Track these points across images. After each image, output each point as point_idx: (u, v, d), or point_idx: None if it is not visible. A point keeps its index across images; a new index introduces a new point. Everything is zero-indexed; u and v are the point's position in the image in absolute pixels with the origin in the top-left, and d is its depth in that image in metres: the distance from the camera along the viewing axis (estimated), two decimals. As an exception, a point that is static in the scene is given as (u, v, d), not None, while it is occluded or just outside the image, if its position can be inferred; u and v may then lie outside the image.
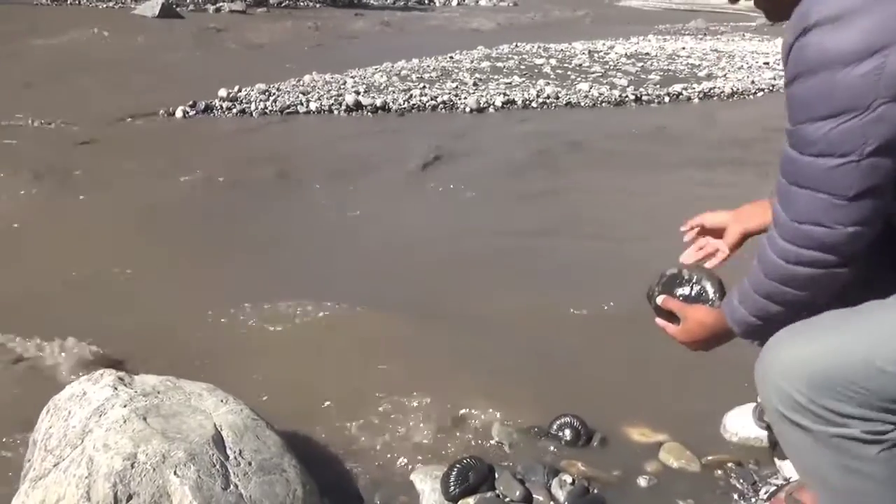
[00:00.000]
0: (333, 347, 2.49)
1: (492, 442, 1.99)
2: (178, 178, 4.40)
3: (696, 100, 8.15)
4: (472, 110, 7.08)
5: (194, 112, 6.30)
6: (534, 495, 1.79)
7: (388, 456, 1.94)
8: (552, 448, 1.97)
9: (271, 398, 2.02)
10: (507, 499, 1.78)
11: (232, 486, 1.52)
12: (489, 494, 1.78)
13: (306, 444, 1.92)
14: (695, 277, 1.52)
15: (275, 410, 1.89)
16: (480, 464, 1.83)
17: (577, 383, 2.28)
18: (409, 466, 1.90)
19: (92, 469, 1.47)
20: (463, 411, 2.10)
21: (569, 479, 1.82)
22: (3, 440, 1.97)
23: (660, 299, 1.51)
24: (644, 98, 7.96)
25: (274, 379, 2.26)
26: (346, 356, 2.43)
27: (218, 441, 1.59)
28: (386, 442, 1.98)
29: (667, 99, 8.03)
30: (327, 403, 2.14)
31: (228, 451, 1.59)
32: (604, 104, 7.69)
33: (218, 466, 1.53)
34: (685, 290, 1.51)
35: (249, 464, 1.59)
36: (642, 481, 1.88)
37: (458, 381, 2.28)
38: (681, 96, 8.18)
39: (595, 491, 1.83)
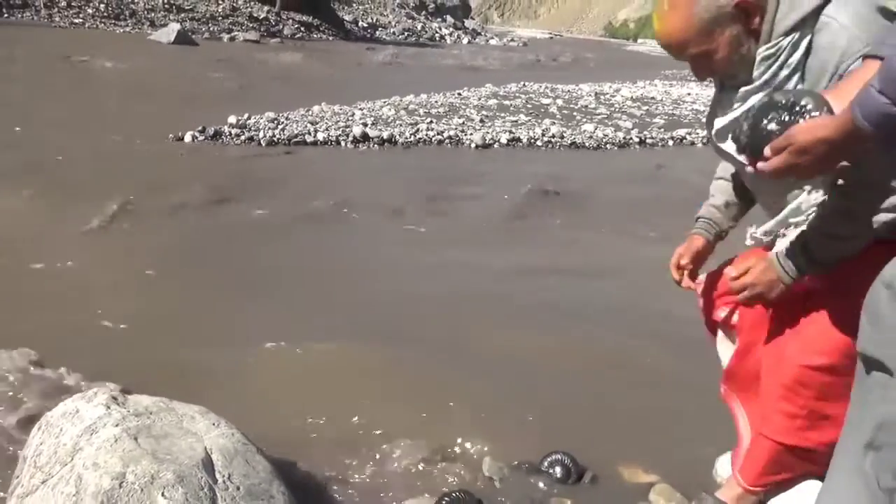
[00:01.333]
0: (327, 378, 2.49)
1: (482, 476, 1.98)
2: (178, 203, 4.43)
3: (700, 145, 8.25)
4: (477, 146, 7.16)
5: (203, 137, 6.39)
6: (522, 532, 1.78)
7: (377, 487, 1.93)
8: (542, 485, 1.96)
9: (263, 424, 2.01)
10: (495, 535, 1.77)
11: (219, 510, 1.51)
12: (477, 529, 1.78)
13: (296, 472, 1.92)
14: (790, 98, 1.24)
15: (266, 436, 1.89)
16: (470, 498, 1.82)
17: (569, 420, 2.27)
18: (399, 498, 1.88)
19: (80, 487, 1.47)
20: (454, 445, 2.09)
21: (558, 517, 1.81)
22: (-6, 456, 1.97)
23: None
24: (648, 141, 8.06)
25: (266, 406, 2.26)
26: (339, 387, 2.43)
27: (207, 464, 1.59)
28: (375, 473, 1.97)
29: (670, 143, 8.13)
30: (318, 432, 2.14)
31: (217, 475, 1.58)
32: (608, 145, 7.78)
33: (206, 489, 1.53)
34: (783, 117, 1.23)
35: (238, 488, 1.58)
36: (631, 522, 1.86)
37: (449, 414, 2.27)
38: (684, 140, 8.28)
39: (584, 530, 1.82)
